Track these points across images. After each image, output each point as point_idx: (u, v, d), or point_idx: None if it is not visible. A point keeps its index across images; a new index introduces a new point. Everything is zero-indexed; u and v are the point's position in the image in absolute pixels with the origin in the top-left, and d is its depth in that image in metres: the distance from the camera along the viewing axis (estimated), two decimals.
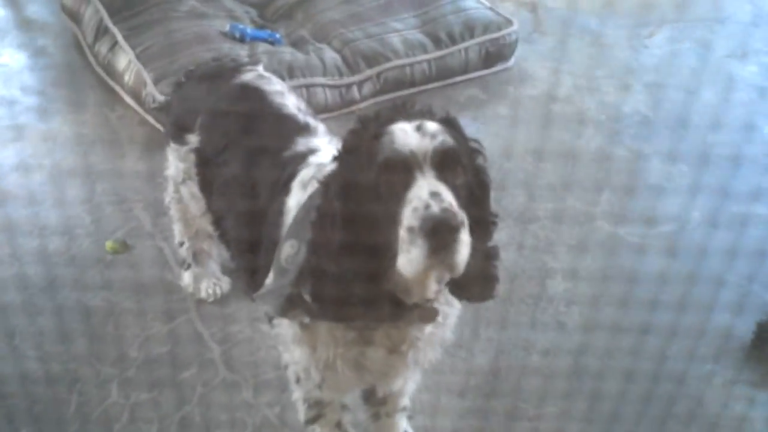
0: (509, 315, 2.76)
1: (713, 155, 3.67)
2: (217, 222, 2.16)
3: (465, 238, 1.42)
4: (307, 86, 3.73)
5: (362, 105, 3.93)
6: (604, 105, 4.08)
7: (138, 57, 3.74)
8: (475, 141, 1.61)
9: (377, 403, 2.16)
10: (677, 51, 4.73)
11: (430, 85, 4.09)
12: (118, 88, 3.87)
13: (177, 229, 2.63)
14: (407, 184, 1.43)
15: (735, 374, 2.58)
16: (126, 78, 3.77)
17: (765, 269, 2.99)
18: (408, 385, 2.10)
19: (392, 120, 1.52)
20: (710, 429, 2.38)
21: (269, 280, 1.75)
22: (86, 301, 2.70)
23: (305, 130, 2.00)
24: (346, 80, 3.86)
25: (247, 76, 2.22)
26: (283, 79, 3.59)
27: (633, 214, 3.31)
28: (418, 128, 1.48)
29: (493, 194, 1.62)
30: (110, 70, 3.89)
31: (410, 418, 2.25)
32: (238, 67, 2.30)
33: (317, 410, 2.03)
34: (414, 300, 1.62)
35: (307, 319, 1.69)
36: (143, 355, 2.51)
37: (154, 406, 2.35)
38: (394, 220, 1.43)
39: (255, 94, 2.13)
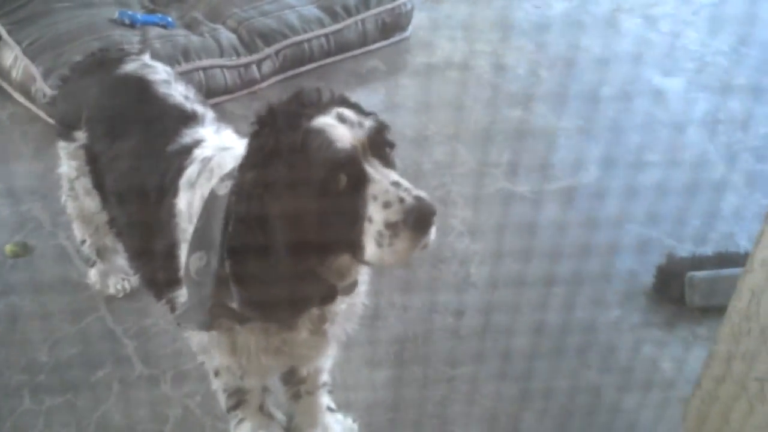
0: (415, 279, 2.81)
1: (604, 107, 3.80)
2: (112, 221, 2.11)
3: None
4: (205, 69, 3.68)
5: (263, 84, 3.90)
6: (500, 68, 4.15)
7: (24, 51, 3.60)
8: (373, 113, 1.58)
9: (297, 382, 2.16)
10: (567, 9, 4.85)
11: (329, 60, 4.08)
12: (5, 85, 3.73)
13: (77, 227, 2.55)
14: (360, 180, 1.41)
15: (641, 318, 2.68)
16: (13, 74, 3.63)
17: (663, 214, 3.12)
18: (326, 361, 2.11)
19: (303, 114, 1.46)
20: (621, 373, 2.46)
21: (184, 298, 1.70)
22: None
23: (192, 119, 1.95)
24: (244, 60, 3.82)
25: (131, 66, 2.15)
26: (179, 63, 3.55)
27: (530, 168, 3.40)
28: (341, 119, 1.45)
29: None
30: None
31: (331, 392, 2.28)
32: (121, 58, 2.22)
33: (238, 397, 2.03)
34: (348, 281, 1.62)
35: (237, 326, 1.66)
36: (54, 359, 2.45)
37: (70, 409, 2.29)
38: (354, 217, 1.41)
39: (139, 85, 2.06)
